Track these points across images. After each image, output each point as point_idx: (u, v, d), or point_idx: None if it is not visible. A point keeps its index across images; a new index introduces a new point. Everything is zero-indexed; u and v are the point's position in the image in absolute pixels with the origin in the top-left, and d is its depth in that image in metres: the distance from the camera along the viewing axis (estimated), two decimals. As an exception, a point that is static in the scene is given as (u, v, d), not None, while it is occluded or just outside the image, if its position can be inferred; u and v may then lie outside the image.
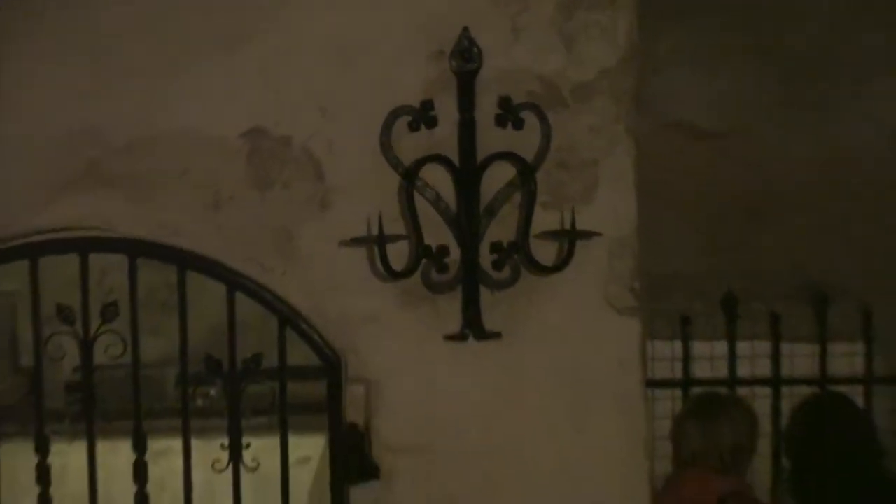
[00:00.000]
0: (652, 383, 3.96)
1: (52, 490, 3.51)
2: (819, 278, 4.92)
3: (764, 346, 5.02)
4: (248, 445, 3.54)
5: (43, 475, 3.49)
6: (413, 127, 3.36)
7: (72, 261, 3.51)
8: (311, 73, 3.46)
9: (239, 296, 3.52)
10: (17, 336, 4.42)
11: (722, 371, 5.03)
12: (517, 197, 3.37)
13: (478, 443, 3.52)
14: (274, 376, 3.57)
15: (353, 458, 3.52)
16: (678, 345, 5.03)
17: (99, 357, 3.50)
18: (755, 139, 4.84)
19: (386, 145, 3.35)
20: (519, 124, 3.35)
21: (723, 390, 4.92)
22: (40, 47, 3.48)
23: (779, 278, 4.93)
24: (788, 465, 4.89)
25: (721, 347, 5.01)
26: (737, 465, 4.51)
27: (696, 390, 4.95)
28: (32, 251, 3.50)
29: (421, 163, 3.32)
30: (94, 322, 3.47)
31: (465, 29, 3.29)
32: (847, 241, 4.87)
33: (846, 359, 5.10)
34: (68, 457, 3.66)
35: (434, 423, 3.52)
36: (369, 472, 3.50)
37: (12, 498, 3.74)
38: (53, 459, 3.51)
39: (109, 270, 3.64)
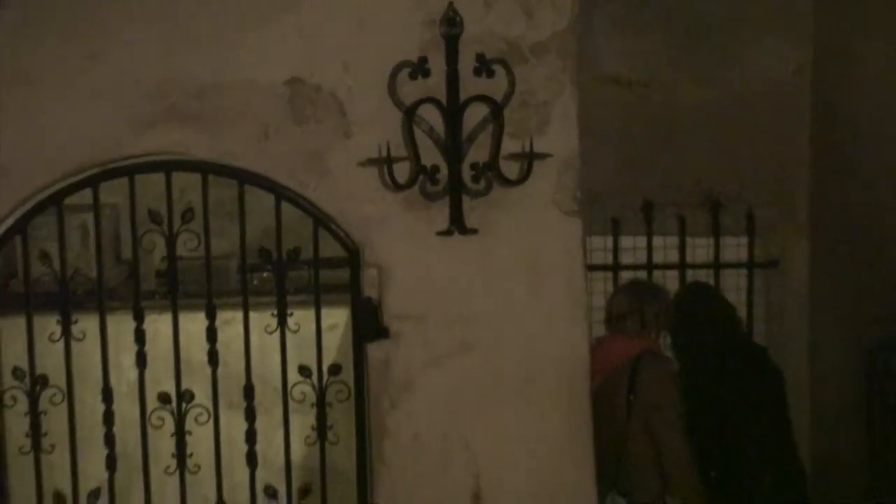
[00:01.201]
0: (589, 267, 4.01)
1: (147, 348, 3.66)
2: (714, 189, 5.03)
3: (673, 240, 5.11)
4: (291, 314, 3.69)
5: (140, 337, 3.65)
6: (412, 76, 3.50)
7: (159, 178, 3.64)
8: (335, 36, 3.58)
9: (283, 204, 3.66)
10: (119, 235, 4.49)
11: (642, 259, 5.13)
12: (490, 128, 3.51)
13: (460, 311, 3.68)
14: (309, 264, 3.72)
15: (369, 324, 3.67)
16: (609, 239, 5.10)
17: (180, 250, 3.64)
18: (665, 85, 4.91)
19: (392, 90, 3.50)
20: (491, 74, 3.50)
21: (645, 276, 5.05)
22: (133, 14, 3.56)
23: (684, 189, 5.01)
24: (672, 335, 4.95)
25: (641, 241, 5.11)
26: (653, 328, 4.58)
27: (622, 273, 5.06)
28: (130, 171, 3.63)
29: (418, 103, 3.48)
30: (177, 224, 3.60)
31: (451, 3, 3.44)
32: (735, 161, 4.98)
33: (734, 249, 5.17)
34: (158, 324, 3.71)
35: (428, 297, 3.68)
36: (381, 333, 3.66)
37: (117, 355, 3.77)
38: (147, 326, 3.67)
39: (187, 187, 3.73)
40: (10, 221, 3.65)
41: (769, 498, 4.61)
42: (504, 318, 3.71)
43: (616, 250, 5.12)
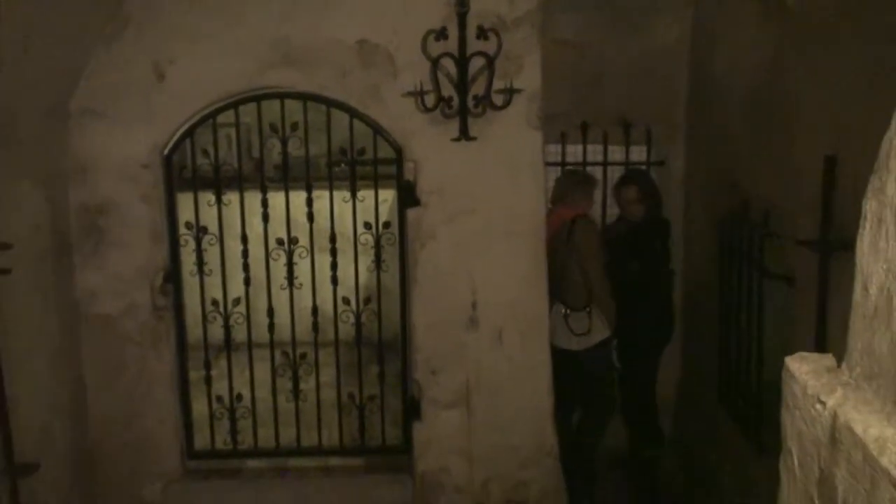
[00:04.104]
0: (546, 163, 4.01)
1: (268, 211, 3.82)
2: (625, 114, 4.99)
3: (599, 147, 5.04)
4: (359, 191, 3.85)
5: (264, 204, 3.82)
6: (437, 39, 3.57)
7: (276, 103, 3.75)
8: (388, 12, 3.62)
9: (354, 120, 3.76)
10: (250, 141, 4.57)
11: (579, 158, 5.05)
12: (486, 73, 3.58)
13: (464, 190, 3.77)
14: (371, 161, 3.85)
15: (408, 197, 3.79)
16: (559, 146, 5.01)
17: (290, 149, 3.77)
18: (598, 46, 4.87)
19: (424, 47, 3.58)
20: (487, 38, 3.55)
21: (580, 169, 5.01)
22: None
23: (607, 114, 4.95)
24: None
25: (579, 148, 5.04)
26: (582, 201, 4.55)
27: (566, 168, 5.00)
28: (257, 98, 3.72)
29: (440, 56, 3.57)
30: (287, 133, 3.72)
31: (462, -9, 3.48)
32: (642, 97, 4.94)
33: (637, 153, 5.11)
34: (274, 198, 3.82)
35: (445, 180, 3.77)
36: (416, 203, 3.78)
37: (250, 216, 3.80)
38: (269, 198, 3.82)
39: (293, 111, 3.77)
40: (183, 129, 3.75)
41: (647, 318, 4.72)
42: (492, 193, 3.77)
43: (563, 153, 5.09)
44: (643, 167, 5.12)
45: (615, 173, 5.05)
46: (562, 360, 4.09)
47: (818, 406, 1.17)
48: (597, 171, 5.01)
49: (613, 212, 5.11)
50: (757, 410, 3.88)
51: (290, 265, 3.89)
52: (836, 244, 3.03)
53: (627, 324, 4.64)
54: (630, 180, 4.83)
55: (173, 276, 3.88)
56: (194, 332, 4.05)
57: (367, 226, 3.87)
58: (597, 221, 4.75)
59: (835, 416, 1.12)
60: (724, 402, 4.41)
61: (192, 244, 3.87)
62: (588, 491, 4.57)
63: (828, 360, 1.28)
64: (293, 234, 3.88)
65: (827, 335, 3.09)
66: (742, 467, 4.12)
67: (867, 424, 1.05)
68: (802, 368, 1.26)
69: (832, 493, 1.12)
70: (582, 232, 4.42)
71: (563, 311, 4.44)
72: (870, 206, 1.09)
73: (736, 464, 4.22)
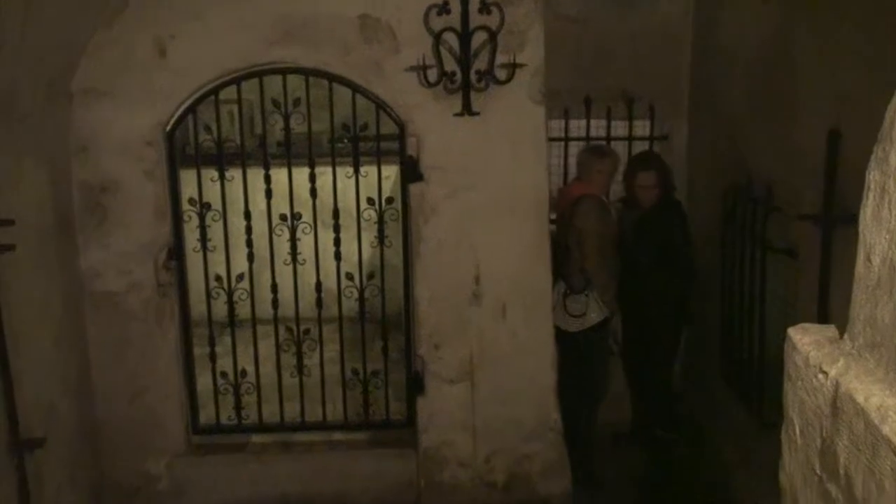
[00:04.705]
0: (549, 139, 4.01)
1: (271, 187, 3.80)
2: (628, 89, 4.91)
3: (602, 122, 4.99)
4: (362, 166, 3.84)
5: (267, 180, 3.80)
6: (439, 14, 3.54)
7: (278, 79, 3.74)
8: None
9: (357, 96, 3.75)
10: (253, 117, 4.38)
11: (582, 134, 5.00)
12: (488, 47, 3.56)
13: (467, 164, 3.77)
14: (373, 136, 3.84)
15: (411, 172, 3.77)
16: (562, 121, 4.96)
17: (292, 125, 3.75)
18: (600, 22, 4.83)
19: (426, 22, 3.55)
20: (489, 12, 3.53)
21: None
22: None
23: (610, 89, 4.88)
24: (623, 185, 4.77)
25: (583, 123, 5.00)
26: (597, 176, 4.44)
27: (570, 144, 4.97)
28: (259, 74, 3.72)
29: (443, 31, 3.55)
30: (290, 109, 3.70)
31: (465, -34, 3.45)
32: (644, 72, 4.87)
33: (640, 128, 5.05)
34: (278, 174, 3.82)
35: (447, 155, 3.75)
36: (418, 177, 3.77)
37: (253, 192, 3.84)
38: (271, 174, 3.80)
39: (296, 87, 3.76)
40: (186, 105, 3.74)
41: (660, 291, 4.58)
42: (495, 168, 3.76)
43: (566, 128, 5.03)
44: (649, 145, 5.07)
45: (619, 148, 4.99)
46: (559, 339, 4.09)
47: (820, 376, 1.18)
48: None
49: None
50: (759, 384, 3.90)
51: (293, 241, 3.90)
52: (839, 218, 3.03)
53: (637, 322, 4.61)
54: (648, 165, 4.63)
55: (177, 252, 3.89)
56: (198, 308, 4.06)
57: (371, 201, 3.87)
58: (606, 202, 4.61)
59: (836, 386, 1.13)
60: (727, 376, 4.42)
61: (195, 221, 3.88)
62: (586, 470, 4.57)
63: (830, 330, 1.28)
64: (296, 210, 3.88)
65: (829, 309, 3.11)
66: (745, 440, 4.14)
67: (869, 394, 1.05)
68: (805, 339, 1.27)
69: (834, 462, 1.13)
70: (582, 212, 4.37)
71: (564, 291, 4.40)
72: (873, 176, 1.09)
73: (739, 437, 4.25)
